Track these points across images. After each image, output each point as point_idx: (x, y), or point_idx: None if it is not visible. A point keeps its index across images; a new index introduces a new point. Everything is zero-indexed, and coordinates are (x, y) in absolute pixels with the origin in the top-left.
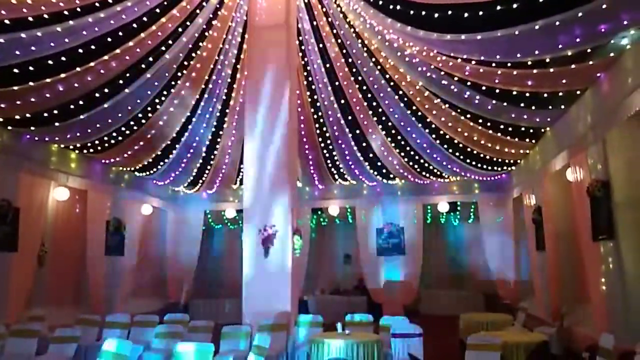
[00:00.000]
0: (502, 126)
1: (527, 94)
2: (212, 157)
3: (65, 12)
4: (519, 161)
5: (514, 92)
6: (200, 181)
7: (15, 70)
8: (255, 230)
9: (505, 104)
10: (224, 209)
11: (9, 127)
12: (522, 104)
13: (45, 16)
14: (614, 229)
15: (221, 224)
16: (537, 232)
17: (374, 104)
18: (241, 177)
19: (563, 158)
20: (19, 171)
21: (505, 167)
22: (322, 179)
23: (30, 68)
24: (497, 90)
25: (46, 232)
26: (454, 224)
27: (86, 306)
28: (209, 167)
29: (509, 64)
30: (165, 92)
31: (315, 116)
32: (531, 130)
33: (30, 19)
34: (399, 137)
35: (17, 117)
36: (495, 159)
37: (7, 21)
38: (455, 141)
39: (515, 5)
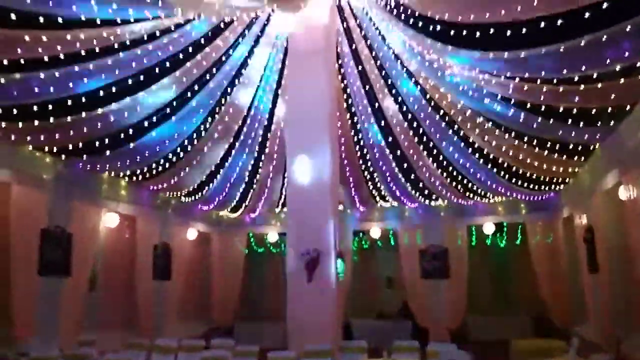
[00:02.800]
0: (549, 144)
1: (575, 111)
2: (255, 181)
3: (115, 46)
4: (567, 180)
5: (561, 109)
6: (244, 205)
7: (69, 102)
8: (298, 254)
9: (551, 121)
10: (266, 233)
11: (63, 157)
12: (569, 121)
13: (96, 50)
14: None
15: (264, 248)
16: (589, 254)
17: (415, 124)
18: (283, 200)
19: (614, 176)
20: (71, 199)
21: (553, 186)
22: (363, 201)
23: (83, 99)
24: (543, 108)
25: (97, 258)
26: (500, 245)
27: (135, 330)
28: (251, 192)
29: (554, 81)
30: (209, 119)
31: (355, 138)
32: (580, 148)
33: (83, 52)
34: (441, 158)
35: (70, 146)
36: (542, 178)
37: (61, 55)
38: (500, 160)
39: (559, 22)
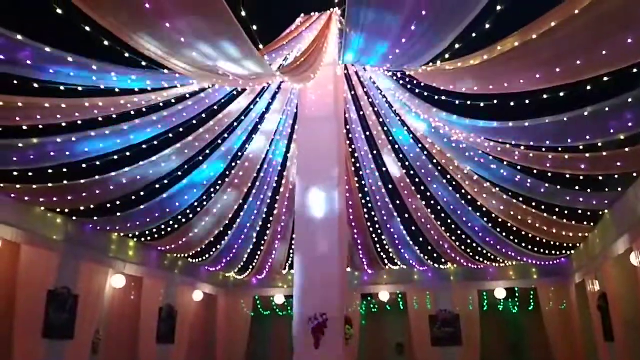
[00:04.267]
0: (557, 209)
1: (581, 177)
2: (262, 243)
3: (132, 112)
4: (578, 245)
5: (567, 176)
6: (251, 267)
7: (84, 166)
8: (305, 318)
9: (558, 187)
10: (272, 295)
11: (74, 218)
12: (576, 187)
13: (114, 116)
14: None
15: (269, 310)
16: (604, 321)
17: (422, 188)
18: (291, 262)
19: (625, 241)
20: (80, 259)
21: (563, 251)
22: (371, 263)
23: (97, 163)
24: (550, 174)
25: (102, 320)
26: (512, 311)
27: None
28: (259, 253)
29: (559, 149)
30: (220, 182)
31: (363, 201)
32: (589, 213)
33: (100, 119)
34: (449, 221)
35: (82, 208)
36: (552, 243)
37: (79, 122)
38: (509, 224)
39: (562, 94)
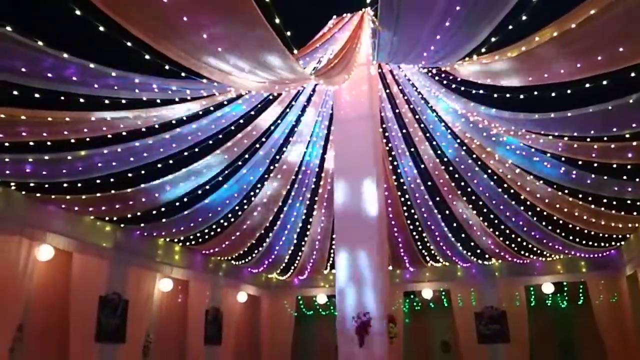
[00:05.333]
0: (605, 200)
1: (629, 166)
2: (303, 243)
3: (173, 122)
4: (628, 235)
5: (614, 165)
6: (292, 267)
7: (130, 175)
8: (349, 317)
9: (605, 177)
10: (315, 295)
11: (122, 225)
12: (624, 177)
13: (156, 126)
14: None
15: (312, 310)
16: None
17: (462, 183)
18: (332, 261)
19: None
20: (128, 265)
21: (613, 243)
22: (412, 261)
23: (142, 172)
24: (596, 164)
25: (151, 323)
26: (561, 306)
27: None
28: (300, 254)
29: (605, 138)
30: (259, 185)
31: (402, 199)
32: (638, 203)
33: (144, 129)
34: (492, 216)
35: (129, 216)
36: (600, 235)
37: (124, 133)
38: (555, 217)
39: (605, 82)
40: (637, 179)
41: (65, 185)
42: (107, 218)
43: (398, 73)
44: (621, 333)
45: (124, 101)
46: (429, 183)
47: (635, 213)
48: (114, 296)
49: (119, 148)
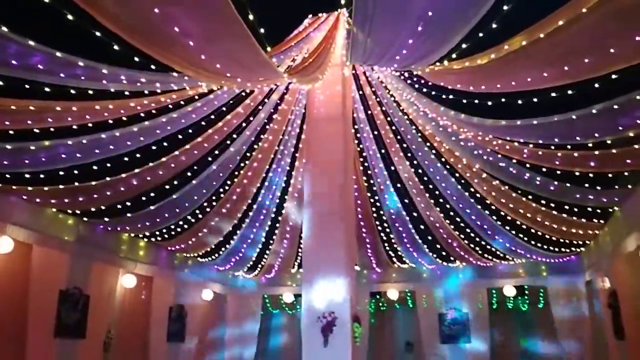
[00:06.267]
0: (567, 207)
1: (591, 175)
2: (271, 242)
3: (142, 114)
4: (588, 242)
5: (577, 173)
6: (260, 266)
7: (95, 167)
8: (314, 317)
9: (568, 184)
10: (281, 293)
11: (85, 219)
12: (586, 184)
13: (124, 118)
14: None
15: (279, 309)
16: (614, 319)
17: (431, 186)
18: (299, 261)
19: (636, 238)
20: (91, 260)
21: (573, 249)
22: (379, 262)
23: (108, 164)
24: (559, 172)
25: (113, 319)
26: (522, 309)
27: None
28: (267, 252)
29: (568, 146)
30: (229, 182)
31: (371, 200)
32: (599, 211)
33: (110, 121)
34: (458, 219)
35: (93, 209)
36: (562, 240)
37: (90, 124)
38: (518, 222)
39: (570, 92)
40: (599, 187)
41: (27, 176)
42: (70, 211)
43: (371, 75)
44: (579, 337)
45: (90, 92)
46: (399, 185)
47: (595, 220)
48: (74, 290)
49: (84, 139)
